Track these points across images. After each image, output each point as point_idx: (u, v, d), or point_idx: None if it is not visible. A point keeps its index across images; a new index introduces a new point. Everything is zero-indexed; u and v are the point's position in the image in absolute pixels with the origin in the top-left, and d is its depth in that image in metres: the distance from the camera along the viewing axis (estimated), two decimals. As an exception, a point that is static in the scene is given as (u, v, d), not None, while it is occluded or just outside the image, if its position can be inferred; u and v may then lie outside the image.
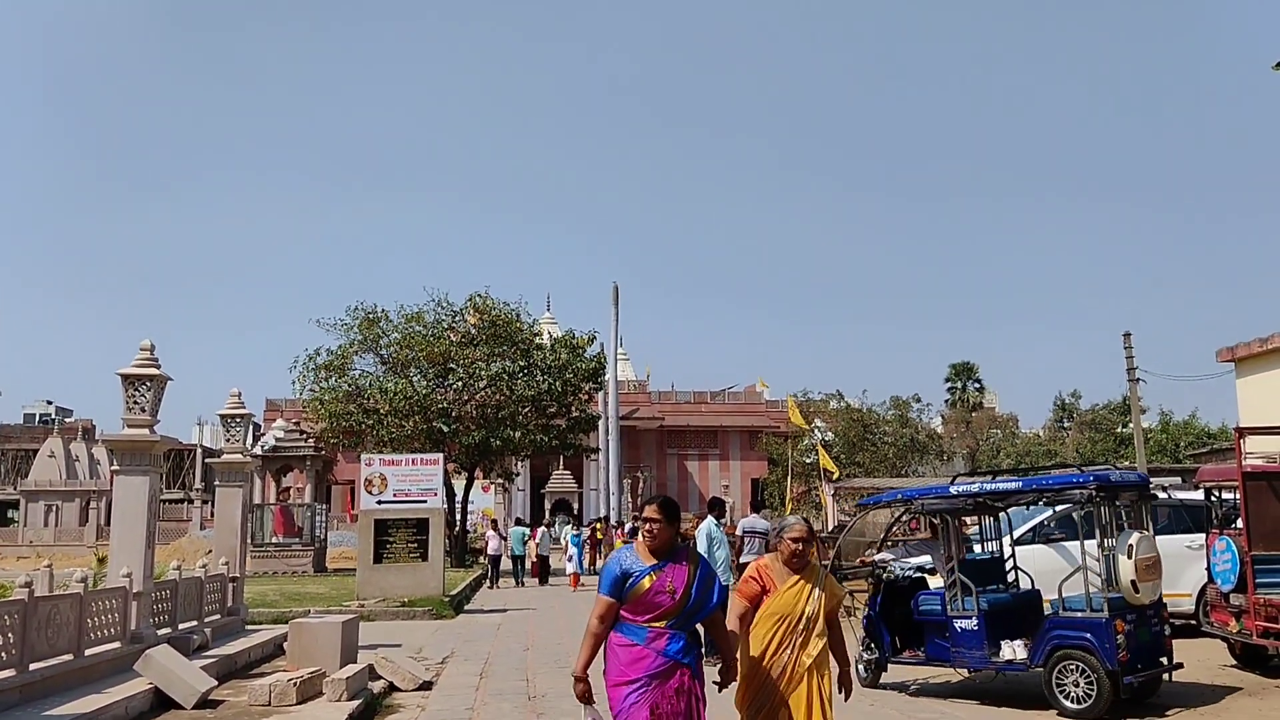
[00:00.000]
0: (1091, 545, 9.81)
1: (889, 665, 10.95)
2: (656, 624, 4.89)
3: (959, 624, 9.97)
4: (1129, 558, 9.28)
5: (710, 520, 13.58)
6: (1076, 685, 9.20)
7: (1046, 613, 9.95)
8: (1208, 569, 11.98)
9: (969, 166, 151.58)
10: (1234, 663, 11.63)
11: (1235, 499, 12.22)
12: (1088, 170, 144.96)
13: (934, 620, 10.28)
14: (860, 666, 10.81)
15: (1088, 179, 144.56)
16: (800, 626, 5.45)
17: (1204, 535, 13.05)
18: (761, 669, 5.43)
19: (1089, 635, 9.17)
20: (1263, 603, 10.52)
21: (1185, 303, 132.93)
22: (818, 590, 5.57)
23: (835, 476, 36.21)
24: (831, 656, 5.66)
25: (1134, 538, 9.41)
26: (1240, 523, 11.61)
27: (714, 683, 5.15)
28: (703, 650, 5.12)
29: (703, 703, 5.02)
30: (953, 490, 10.70)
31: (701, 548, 12.53)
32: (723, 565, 12.76)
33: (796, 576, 5.56)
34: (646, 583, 4.89)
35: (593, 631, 4.98)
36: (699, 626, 5.17)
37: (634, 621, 4.92)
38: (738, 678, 5.37)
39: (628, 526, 35.80)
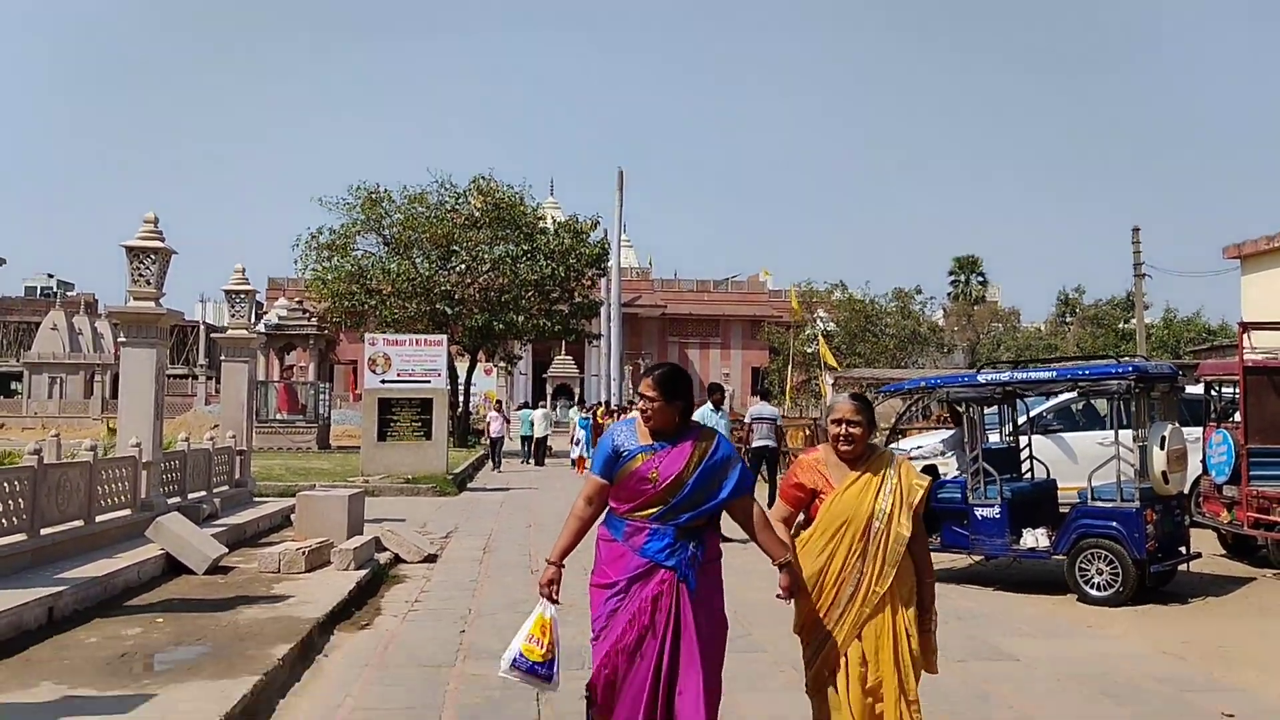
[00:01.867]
0: (1097, 436, 9.85)
1: None
2: (638, 515, 4.13)
3: (980, 512, 10.01)
4: (1161, 449, 9.35)
5: (706, 407, 13.04)
6: (1100, 574, 9.34)
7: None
8: (1202, 461, 12.12)
9: (976, 56, 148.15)
10: (1224, 553, 11.86)
11: (1235, 394, 12.30)
12: (1098, 60, 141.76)
13: (952, 509, 10.29)
14: None
15: (1098, 69, 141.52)
16: (869, 537, 4.28)
17: (1200, 429, 13.18)
18: (819, 598, 4.32)
19: (1116, 524, 9.27)
20: (1255, 494, 10.68)
21: (1194, 199, 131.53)
22: (890, 483, 4.36)
23: (822, 366, 36.28)
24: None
25: (1166, 429, 9.49)
26: (1238, 416, 11.71)
27: (777, 596, 4.32)
28: (708, 555, 4.19)
29: (711, 626, 4.13)
30: (981, 378, 10.66)
31: None
32: None
33: (856, 471, 4.37)
34: (636, 463, 4.15)
35: (576, 513, 4.29)
36: (715, 527, 4.29)
37: (617, 511, 4.22)
38: (800, 587, 4.29)
39: (630, 415, 36.09)
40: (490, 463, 28.42)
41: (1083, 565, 9.45)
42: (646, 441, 4.19)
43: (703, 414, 12.77)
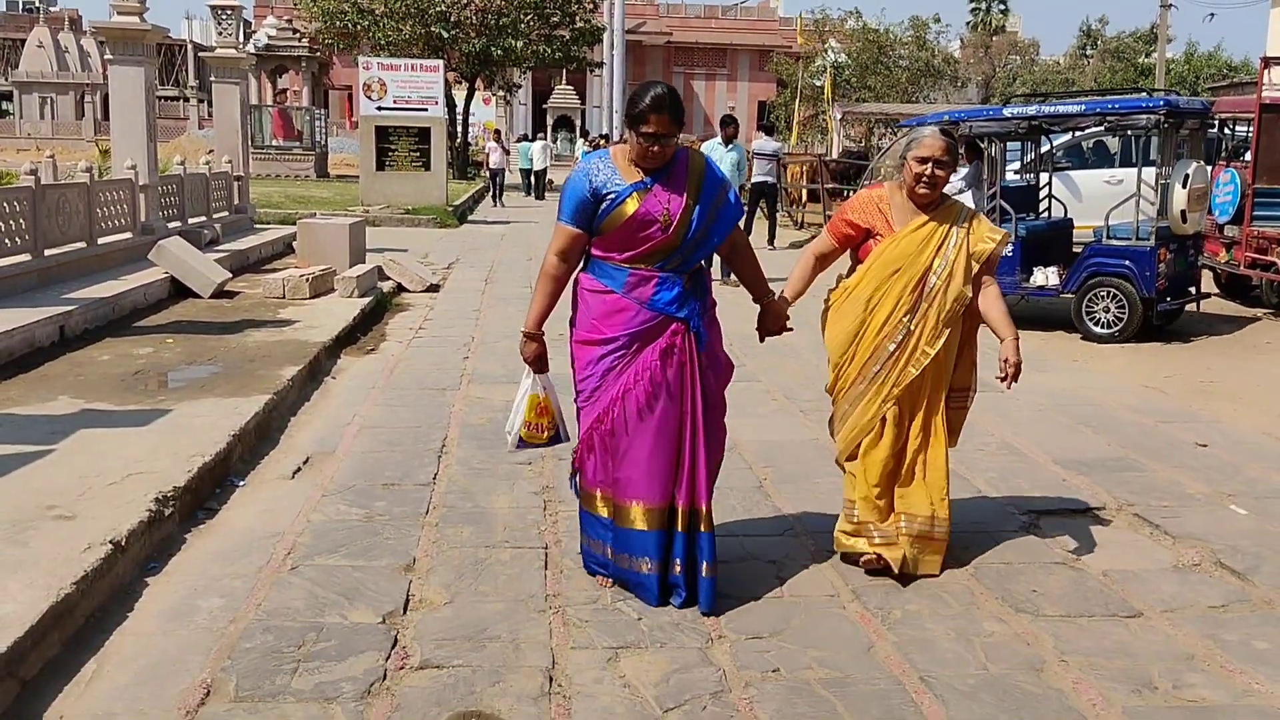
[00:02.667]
0: (1104, 174, 9.65)
1: None
2: (641, 265, 3.60)
3: None
4: (1184, 187, 9.22)
5: (714, 141, 12.57)
6: (1107, 311, 9.45)
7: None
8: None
9: None
10: (1217, 292, 11.99)
11: (1249, 132, 12.04)
12: None
13: None
14: None
15: None
16: (922, 291, 3.89)
17: (1210, 167, 13.00)
18: (857, 353, 3.99)
19: (1129, 263, 9.28)
20: (1255, 234, 10.67)
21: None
22: (957, 236, 3.92)
23: (828, 101, 35.25)
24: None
25: (1191, 167, 9.32)
26: (1249, 155, 11.51)
27: (757, 331, 4.02)
28: (709, 298, 3.78)
29: (715, 372, 3.77)
30: (1006, 112, 10.31)
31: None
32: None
33: (924, 217, 3.94)
34: (630, 206, 3.54)
35: (549, 272, 3.71)
36: (707, 265, 3.87)
37: (610, 260, 3.64)
38: (783, 323, 3.96)
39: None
40: (490, 196, 27.99)
41: (1090, 304, 9.55)
42: (634, 178, 3.57)
43: (710, 147, 12.43)
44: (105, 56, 11.27)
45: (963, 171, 16.10)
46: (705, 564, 3.70)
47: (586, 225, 3.62)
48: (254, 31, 40.59)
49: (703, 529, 3.70)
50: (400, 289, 11.66)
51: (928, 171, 3.85)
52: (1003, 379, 3.95)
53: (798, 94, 39.93)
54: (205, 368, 7.22)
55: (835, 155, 26.09)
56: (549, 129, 55.80)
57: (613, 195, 3.55)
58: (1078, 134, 13.10)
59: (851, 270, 4.13)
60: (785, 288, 4.14)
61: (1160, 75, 34.79)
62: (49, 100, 60.45)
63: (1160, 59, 35.82)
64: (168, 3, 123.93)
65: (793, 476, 5.36)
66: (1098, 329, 9.48)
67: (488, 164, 29.02)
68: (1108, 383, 7.89)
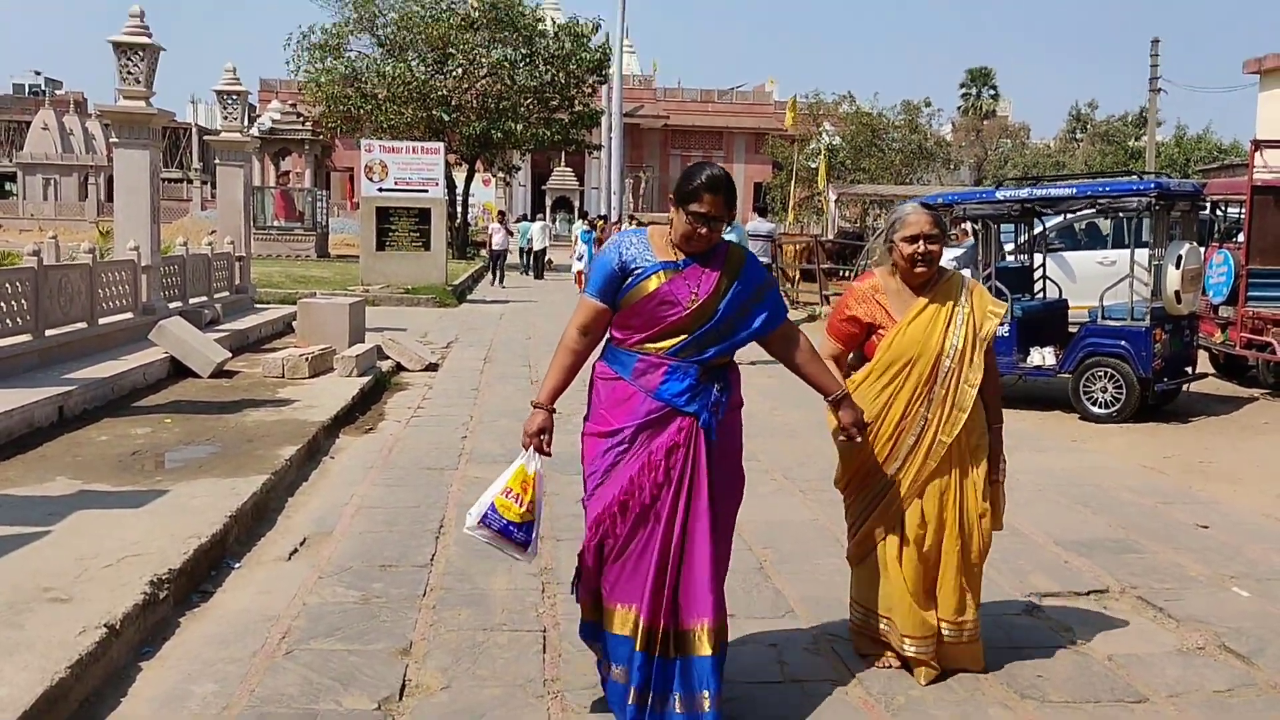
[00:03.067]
0: (1097, 255, 9.71)
1: None
2: (652, 348, 3.34)
3: None
4: (1177, 268, 9.35)
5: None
6: (1105, 391, 9.49)
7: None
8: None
9: None
10: (1213, 372, 12.04)
11: (1240, 213, 12.21)
12: None
13: None
14: None
15: None
16: (936, 378, 3.70)
17: (1203, 248, 13.15)
18: (874, 450, 3.75)
19: (1125, 343, 9.35)
20: (1251, 315, 10.76)
21: (1215, 12, 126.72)
22: (962, 313, 3.74)
23: (823, 182, 35.71)
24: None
25: (1184, 248, 9.46)
26: (1242, 237, 11.66)
27: (839, 438, 3.73)
28: (732, 399, 3.45)
29: (725, 483, 3.43)
30: (999, 195, 10.50)
31: None
32: None
33: (923, 300, 3.76)
34: (653, 283, 3.30)
35: (568, 345, 3.45)
36: (740, 362, 3.56)
37: (623, 343, 3.40)
38: (862, 426, 3.60)
39: (624, 227, 35.85)
40: (490, 275, 28.14)
41: (1087, 383, 9.59)
42: (667, 257, 3.35)
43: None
44: (111, 139, 11.46)
45: (958, 251, 16.31)
46: (703, 694, 3.29)
47: (610, 299, 3.37)
48: (258, 115, 41.27)
49: (700, 652, 3.29)
50: (399, 368, 11.69)
51: (920, 249, 3.70)
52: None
53: (793, 175, 40.48)
54: (203, 447, 7.21)
55: (831, 235, 26.40)
56: (548, 209, 56.42)
57: (640, 270, 3.33)
58: (1070, 216, 13.28)
59: (859, 363, 3.93)
60: (835, 387, 3.65)
61: (1151, 158, 35.40)
62: (53, 181, 61.25)
63: (1150, 141, 36.49)
64: (173, 86, 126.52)
65: (792, 557, 5.33)
66: (1095, 409, 9.50)
67: (490, 244, 29.16)
68: (1107, 463, 7.88)
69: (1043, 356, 9.93)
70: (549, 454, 3.47)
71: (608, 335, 3.48)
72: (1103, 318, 9.62)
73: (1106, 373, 9.47)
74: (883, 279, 3.86)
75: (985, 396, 3.81)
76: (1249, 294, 10.88)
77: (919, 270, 3.75)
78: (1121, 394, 9.38)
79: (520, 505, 3.44)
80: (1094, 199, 9.98)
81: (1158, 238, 9.56)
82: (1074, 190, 10.14)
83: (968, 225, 13.44)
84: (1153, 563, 5.36)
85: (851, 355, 3.97)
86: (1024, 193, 10.39)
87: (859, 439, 3.61)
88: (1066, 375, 9.77)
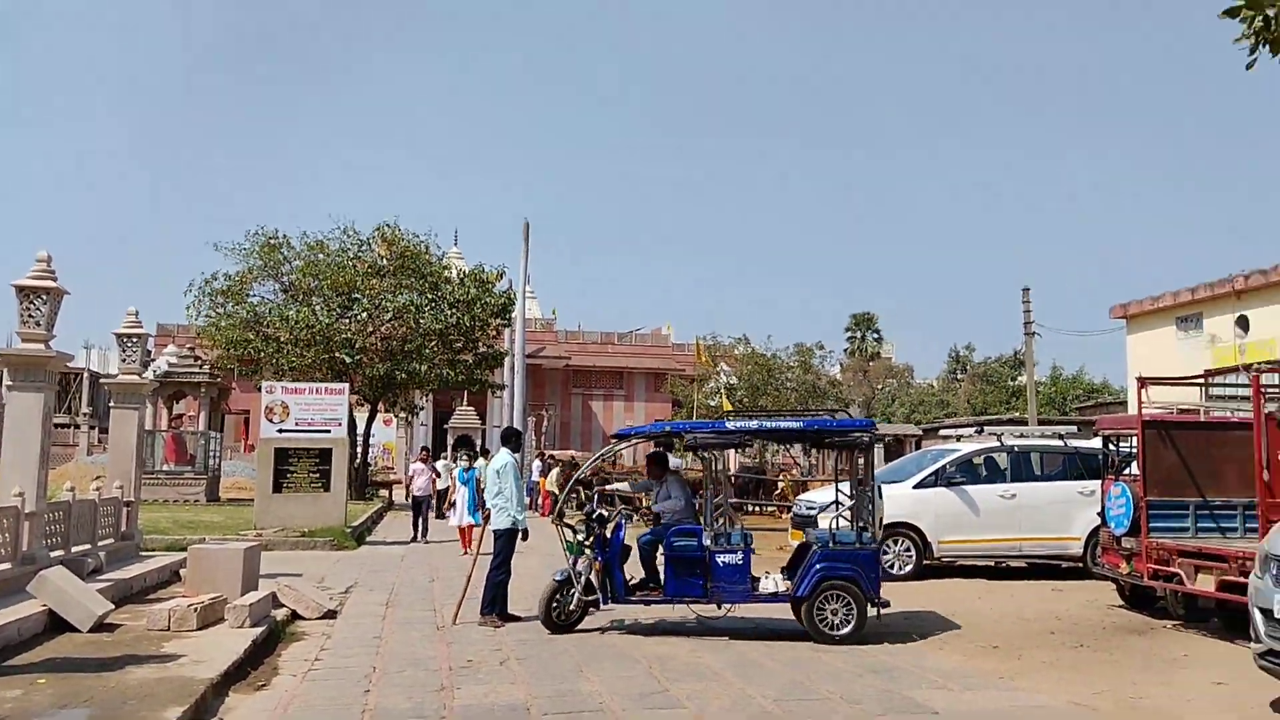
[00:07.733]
0: (1018, 486, 9.93)
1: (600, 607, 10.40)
2: None
3: (722, 559, 10.13)
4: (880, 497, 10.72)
5: (504, 451, 11.50)
6: (835, 614, 9.90)
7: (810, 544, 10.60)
8: (1101, 514, 12.44)
9: (872, 118, 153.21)
10: (1122, 604, 12.14)
11: (1132, 448, 12.69)
12: (994, 119, 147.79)
13: (688, 557, 10.18)
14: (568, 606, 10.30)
15: (996, 125, 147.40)
16: None
17: (1096, 482, 13.56)
18: None
19: (855, 567, 9.95)
20: (1155, 546, 10.97)
21: (1080, 260, 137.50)
22: None
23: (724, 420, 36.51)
24: None
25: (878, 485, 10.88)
26: (1135, 469, 12.06)
27: None
28: None
29: None
30: (729, 426, 11.27)
31: (490, 486, 11.16)
32: (514, 499, 11.04)
33: None
34: None
35: None
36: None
37: None
38: None
39: (535, 465, 35.56)
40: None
41: (820, 606, 9.92)
42: None
43: (501, 459, 11.37)
44: (5, 383, 11.03)
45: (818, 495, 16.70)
46: None
47: None
48: (153, 359, 40.77)
49: None
50: (295, 616, 11.05)
51: None
52: None
53: (694, 413, 41.22)
54: (78, 711, 6.58)
55: (734, 471, 26.65)
56: (449, 448, 56.02)
57: None
58: (933, 456, 13.73)
59: None
60: None
61: (1031, 398, 37.24)
62: (-71, 425, 58.74)
63: (1030, 383, 38.54)
64: (65, 329, 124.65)
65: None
66: (830, 631, 9.84)
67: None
68: (1037, 700, 7.71)
69: (775, 583, 10.30)
70: None
71: None
72: (834, 543, 10.25)
73: (837, 595, 9.92)
74: None
75: None
76: (1150, 525, 11.14)
77: None
78: (852, 614, 9.83)
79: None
80: (820, 433, 11.04)
81: (869, 468, 10.54)
82: (801, 424, 11.13)
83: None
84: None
85: None
86: (754, 425, 11.48)
87: None
88: (804, 600, 10.01)
